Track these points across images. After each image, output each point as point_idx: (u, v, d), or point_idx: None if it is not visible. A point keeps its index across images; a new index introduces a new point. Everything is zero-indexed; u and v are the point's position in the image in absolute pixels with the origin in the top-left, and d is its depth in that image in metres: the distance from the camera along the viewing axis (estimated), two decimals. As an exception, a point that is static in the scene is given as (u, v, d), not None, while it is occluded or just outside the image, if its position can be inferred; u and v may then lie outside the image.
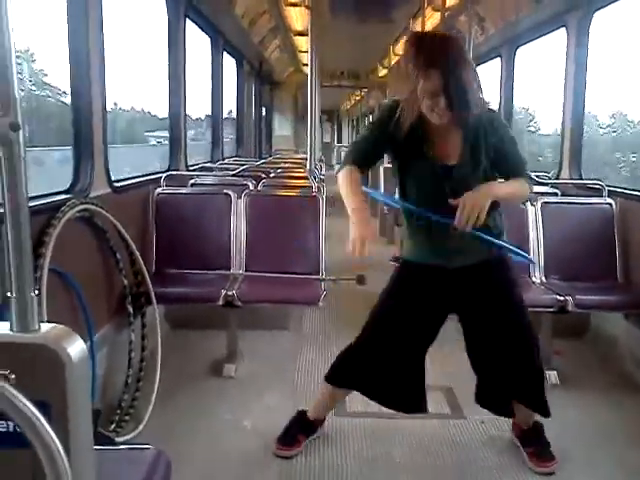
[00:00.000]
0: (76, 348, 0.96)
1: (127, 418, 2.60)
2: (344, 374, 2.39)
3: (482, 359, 2.31)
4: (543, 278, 3.50)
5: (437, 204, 2.05)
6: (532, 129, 15.68)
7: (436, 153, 2.10)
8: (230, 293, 3.03)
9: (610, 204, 3.66)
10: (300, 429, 2.50)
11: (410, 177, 2.15)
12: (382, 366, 2.31)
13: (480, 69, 6.76)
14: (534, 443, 2.43)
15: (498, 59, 6.04)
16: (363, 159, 2.16)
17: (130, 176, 3.72)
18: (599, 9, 4.13)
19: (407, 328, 2.26)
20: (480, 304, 2.24)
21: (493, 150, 2.10)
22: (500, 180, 2.16)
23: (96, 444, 1.06)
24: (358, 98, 17.69)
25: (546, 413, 2.35)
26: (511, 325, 2.24)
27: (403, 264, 2.34)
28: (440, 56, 1.92)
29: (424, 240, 2.20)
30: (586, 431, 2.70)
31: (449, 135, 2.09)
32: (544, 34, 5.13)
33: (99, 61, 2.83)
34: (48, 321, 0.98)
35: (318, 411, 2.52)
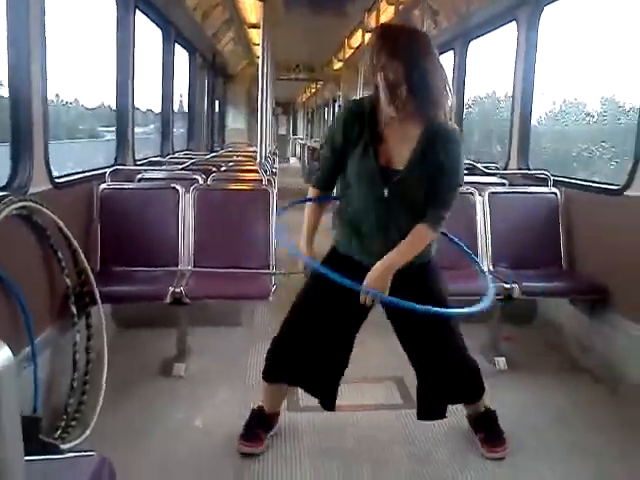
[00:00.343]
0: (1, 357, 0.92)
1: (73, 423, 2.52)
2: (274, 369, 2.38)
3: (415, 358, 2.33)
4: (490, 267, 3.57)
5: (374, 206, 2.09)
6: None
7: (384, 154, 2.06)
8: (178, 290, 2.98)
9: (555, 193, 3.75)
10: (259, 424, 2.47)
11: (353, 174, 2.11)
12: (307, 356, 2.31)
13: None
14: (484, 429, 2.47)
15: (451, 53, 6.12)
16: (325, 182, 2.24)
17: (72, 172, 3.60)
18: (548, 4, 4.20)
19: (329, 318, 2.26)
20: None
21: (434, 168, 2.04)
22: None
23: (38, 453, 1.02)
24: (314, 91, 17.68)
25: (480, 393, 2.40)
26: (434, 328, 2.22)
27: (331, 251, 2.30)
28: (404, 47, 1.93)
29: (352, 234, 2.18)
30: (536, 415, 2.77)
31: (403, 137, 2.05)
32: (495, 28, 5.21)
33: (40, 49, 2.70)
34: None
35: (269, 405, 2.49)
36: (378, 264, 2.07)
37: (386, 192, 2.05)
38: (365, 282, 2.06)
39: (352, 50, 9.82)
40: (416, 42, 1.96)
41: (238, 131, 12.61)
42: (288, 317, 2.33)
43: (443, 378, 2.30)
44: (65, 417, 2.54)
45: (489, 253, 3.60)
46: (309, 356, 2.31)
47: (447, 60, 6.24)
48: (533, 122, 4.62)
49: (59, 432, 2.45)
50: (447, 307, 2.21)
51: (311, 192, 2.26)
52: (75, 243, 2.87)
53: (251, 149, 7.74)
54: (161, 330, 3.39)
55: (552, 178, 3.86)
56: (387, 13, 6.69)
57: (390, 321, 2.30)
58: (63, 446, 2.33)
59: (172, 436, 2.53)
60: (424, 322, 2.17)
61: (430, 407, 2.36)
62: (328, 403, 2.39)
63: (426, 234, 2.11)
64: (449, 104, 2.01)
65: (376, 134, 2.06)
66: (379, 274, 2.06)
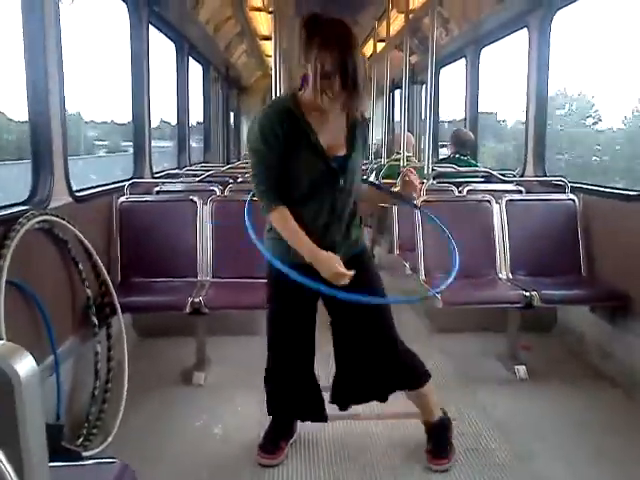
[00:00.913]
0: (26, 366, 0.93)
1: (95, 431, 2.55)
2: (272, 404, 2.47)
3: (345, 349, 2.35)
4: (509, 275, 3.55)
5: (330, 198, 2.10)
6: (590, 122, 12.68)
7: (325, 144, 2.07)
8: (197, 300, 3.00)
9: (573, 200, 3.73)
10: (279, 434, 2.49)
11: (302, 172, 2.06)
12: (293, 380, 2.39)
13: (445, 70, 6.85)
14: (432, 439, 2.45)
15: (463, 60, 6.13)
16: (280, 191, 2.07)
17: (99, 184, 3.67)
18: (560, 9, 4.20)
19: (296, 323, 2.32)
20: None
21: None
22: None
23: (61, 460, 1.03)
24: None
25: (424, 379, 2.38)
26: (371, 314, 2.25)
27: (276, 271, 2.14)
28: (337, 37, 1.91)
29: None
30: (557, 423, 2.74)
31: (335, 125, 2.09)
32: (507, 34, 5.22)
33: (57, 66, 2.76)
34: (8, 336, 0.95)
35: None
36: (323, 264, 2.01)
37: (341, 181, 2.09)
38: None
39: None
40: (347, 33, 1.94)
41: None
42: (268, 346, 2.42)
43: (370, 363, 2.31)
44: (87, 425, 2.58)
45: (507, 261, 3.59)
46: (297, 379, 2.40)
47: (460, 68, 6.27)
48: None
49: (81, 440, 2.48)
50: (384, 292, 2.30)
51: (279, 214, 2.07)
52: (95, 255, 2.92)
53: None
54: (180, 339, 3.42)
55: (569, 184, 3.84)
56: (397, 21, 6.72)
57: (326, 307, 2.33)
58: (85, 453, 2.35)
59: (192, 444, 2.55)
60: (361, 308, 2.19)
61: (346, 392, 2.40)
62: (319, 416, 2.44)
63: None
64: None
65: (307, 125, 2.05)
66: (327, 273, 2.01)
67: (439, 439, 2.43)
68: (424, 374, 2.38)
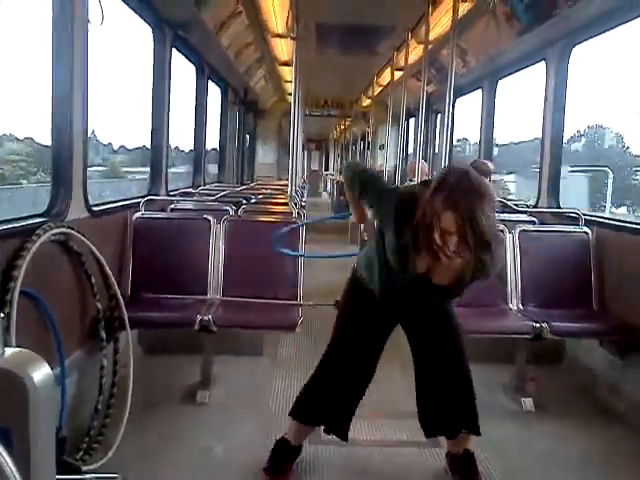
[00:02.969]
0: (41, 374, 0.95)
1: (96, 446, 2.54)
2: (305, 410, 2.41)
3: (425, 377, 2.37)
4: (520, 305, 3.53)
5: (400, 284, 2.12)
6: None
7: (424, 270, 2.03)
8: (206, 318, 3.01)
9: (587, 232, 3.71)
10: (284, 456, 2.46)
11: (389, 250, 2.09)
12: (336, 396, 2.35)
13: (460, 101, 6.91)
14: (462, 471, 2.44)
15: (479, 91, 6.18)
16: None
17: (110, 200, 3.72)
18: (579, 43, 4.24)
19: (363, 345, 2.32)
20: (423, 325, 2.33)
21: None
22: None
23: (61, 473, 1.03)
24: (343, 127, 17.90)
25: (476, 431, 2.37)
26: (450, 346, 2.30)
27: (354, 282, 2.35)
28: (461, 200, 1.76)
29: (379, 273, 2.19)
30: (564, 459, 2.69)
31: (446, 266, 1.97)
32: (524, 67, 5.27)
33: (82, 85, 2.84)
34: (17, 345, 0.96)
35: (295, 439, 2.48)
36: None
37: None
38: None
39: (381, 87, 9.96)
40: (475, 194, 1.77)
41: (267, 166, 12.77)
42: (323, 358, 2.37)
43: (446, 394, 2.32)
44: (88, 439, 2.57)
45: (518, 291, 3.57)
46: (338, 396, 2.36)
47: (476, 99, 6.32)
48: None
49: (81, 453, 2.47)
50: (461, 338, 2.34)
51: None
52: (107, 269, 2.94)
53: (280, 182, 7.84)
54: (185, 357, 3.43)
55: (583, 217, 3.83)
56: (416, 52, 6.80)
57: (405, 331, 2.37)
58: (85, 467, 2.35)
59: (193, 463, 2.53)
60: (439, 336, 2.30)
61: (434, 423, 2.39)
62: (343, 434, 2.41)
63: None
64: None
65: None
66: None
67: (469, 471, 2.43)
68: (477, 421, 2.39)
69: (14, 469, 0.81)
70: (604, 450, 2.77)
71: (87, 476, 1.81)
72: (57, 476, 1.18)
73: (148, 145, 4.58)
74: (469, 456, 2.45)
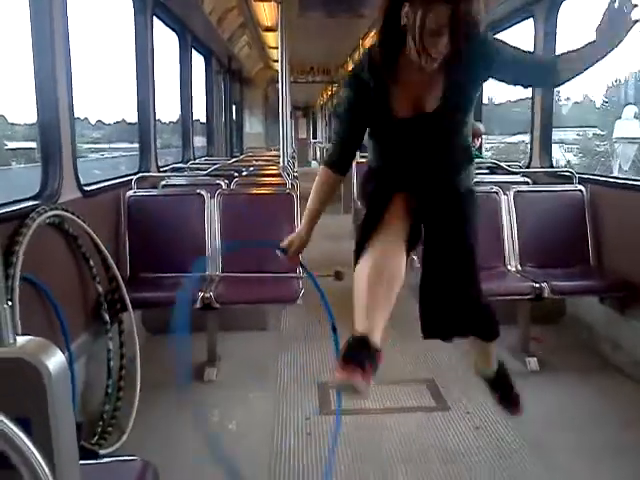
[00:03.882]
0: (56, 361, 0.93)
1: (110, 429, 2.55)
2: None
3: (431, 270, 2.03)
4: (518, 266, 3.55)
5: (421, 162, 1.93)
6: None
7: (408, 103, 1.83)
8: (207, 295, 3.00)
9: (581, 191, 3.71)
10: (365, 353, 1.62)
11: (384, 140, 1.96)
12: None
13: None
14: (500, 387, 2.31)
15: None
16: (339, 160, 1.98)
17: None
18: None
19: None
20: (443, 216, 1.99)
21: (495, 70, 1.82)
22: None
23: (79, 458, 1.03)
24: (330, 93, 17.69)
25: (495, 334, 2.14)
26: (462, 246, 1.98)
27: (371, 171, 2.09)
28: None
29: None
30: (570, 414, 2.74)
31: (427, 77, 1.79)
32: (512, 25, 5.18)
33: (65, 61, 2.75)
34: (23, 333, 0.95)
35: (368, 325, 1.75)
36: None
37: (428, 142, 1.89)
38: None
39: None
40: None
41: (256, 136, 12.64)
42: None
43: (451, 288, 2.00)
44: (101, 423, 2.57)
45: (516, 252, 3.58)
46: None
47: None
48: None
49: (96, 438, 2.48)
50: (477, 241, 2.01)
51: (320, 175, 1.98)
52: (105, 250, 2.91)
53: (271, 153, 7.76)
54: (190, 335, 3.42)
55: (577, 175, 3.82)
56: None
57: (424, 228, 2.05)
58: (101, 451, 2.36)
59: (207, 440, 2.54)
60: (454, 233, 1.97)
61: (434, 322, 2.06)
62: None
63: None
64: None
65: (393, 82, 1.81)
66: None
67: (505, 384, 2.31)
68: (495, 331, 2.14)
69: (41, 461, 0.80)
70: (607, 403, 2.83)
71: (107, 460, 1.81)
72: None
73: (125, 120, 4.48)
74: (503, 371, 2.30)
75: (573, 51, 1.80)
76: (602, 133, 13.27)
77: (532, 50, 4.40)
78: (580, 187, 3.73)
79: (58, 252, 2.70)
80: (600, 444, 2.48)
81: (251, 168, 5.38)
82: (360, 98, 1.86)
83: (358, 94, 1.86)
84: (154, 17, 4.55)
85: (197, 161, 5.97)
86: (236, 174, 4.70)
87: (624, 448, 2.44)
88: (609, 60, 1.74)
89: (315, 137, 23.66)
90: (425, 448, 2.47)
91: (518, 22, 4.99)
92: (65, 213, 2.63)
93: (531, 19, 4.51)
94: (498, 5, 5.08)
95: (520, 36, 5.01)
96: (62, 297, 2.52)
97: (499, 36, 5.40)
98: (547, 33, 4.30)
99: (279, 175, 4.58)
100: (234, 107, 10.20)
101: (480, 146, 5.58)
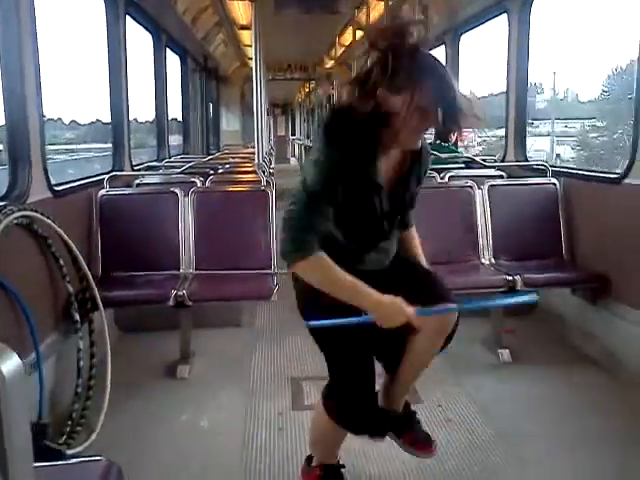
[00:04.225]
0: (11, 365, 0.91)
1: (79, 429, 2.52)
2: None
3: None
4: (492, 259, 3.58)
5: (376, 239, 1.82)
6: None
7: (385, 181, 1.74)
8: (180, 293, 2.98)
9: (554, 184, 3.75)
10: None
11: (356, 212, 1.73)
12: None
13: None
14: (408, 429, 2.09)
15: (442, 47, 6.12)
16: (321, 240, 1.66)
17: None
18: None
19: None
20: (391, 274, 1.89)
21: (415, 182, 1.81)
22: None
23: (45, 459, 1.01)
24: (308, 91, 17.69)
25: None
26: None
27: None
28: (429, 63, 1.58)
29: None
30: (542, 405, 2.77)
31: (395, 157, 1.75)
32: (486, 20, 5.21)
33: (34, 59, 2.70)
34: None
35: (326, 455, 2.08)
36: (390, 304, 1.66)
37: (385, 223, 1.79)
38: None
39: (343, 48, 9.83)
40: (432, 57, 1.61)
41: (233, 133, 12.58)
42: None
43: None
44: (70, 423, 2.54)
45: (490, 246, 3.61)
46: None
47: (439, 54, 6.27)
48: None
49: (64, 438, 2.45)
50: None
51: (318, 262, 1.64)
52: (75, 250, 2.87)
53: (247, 150, 7.73)
54: (163, 333, 3.41)
55: (550, 168, 3.86)
56: (377, 9, 6.69)
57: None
58: (69, 452, 2.33)
59: (178, 438, 2.53)
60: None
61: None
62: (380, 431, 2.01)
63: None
64: None
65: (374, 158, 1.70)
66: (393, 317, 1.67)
67: (415, 428, 2.09)
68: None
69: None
70: (579, 393, 2.86)
71: (71, 460, 1.78)
72: (40, 463, 1.16)
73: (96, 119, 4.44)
74: (410, 412, 2.11)
75: (412, 243, 1.98)
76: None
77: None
78: (553, 180, 3.77)
79: (27, 252, 2.66)
80: (570, 432, 2.51)
81: (227, 165, 5.35)
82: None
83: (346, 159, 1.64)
84: (127, 16, 4.51)
85: (173, 159, 5.93)
86: (212, 172, 4.67)
87: (598, 436, 2.47)
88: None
89: (294, 134, 23.66)
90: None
91: (491, 18, 5.03)
92: (34, 213, 2.59)
93: (505, 15, 4.55)
94: (471, 2, 5.13)
95: (494, 32, 5.07)
96: (31, 297, 2.49)
97: (473, 32, 5.54)
98: (521, 29, 4.34)
99: (255, 172, 4.57)
100: (210, 105, 10.16)
101: (456, 141, 5.61)
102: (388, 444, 2.17)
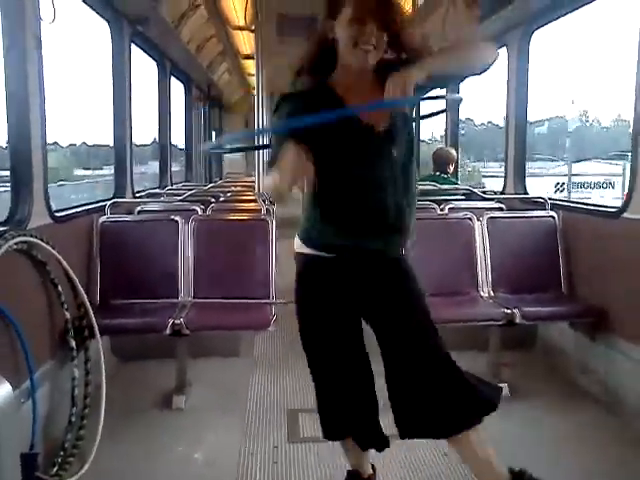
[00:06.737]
0: (2, 395, 0.91)
1: (71, 459, 2.48)
2: (330, 425, 2.05)
3: (393, 371, 1.91)
4: (491, 292, 3.57)
5: (381, 174, 1.77)
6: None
7: (362, 118, 1.73)
8: (178, 322, 2.96)
9: (553, 217, 3.76)
10: None
11: (344, 153, 1.77)
12: (345, 401, 1.98)
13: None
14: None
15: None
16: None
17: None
18: (538, 28, 4.28)
19: (334, 338, 1.92)
20: (383, 299, 1.89)
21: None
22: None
23: None
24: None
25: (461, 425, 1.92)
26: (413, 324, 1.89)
27: (303, 261, 1.90)
28: None
29: (353, 226, 1.83)
30: (540, 440, 2.73)
31: (371, 90, 1.73)
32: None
33: (39, 87, 2.75)
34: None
35: (352, 462, 2.18)
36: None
37: (394, 151, 1.76)
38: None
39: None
40: None
41: (236, 162, 12.65)
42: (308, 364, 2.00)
43: (423, 385, 1.87)
44: (63, 453, 2.51)
45: (489, 278, 3.60)
46: (344, 402, 1.99)
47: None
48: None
49: (56, 469, 2.41)
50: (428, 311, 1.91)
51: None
52: (74, 277, 2.87)
53: (250, 179, 7.78)
54: (160, 362, 3.38)
55: (549, 202, 3.88)
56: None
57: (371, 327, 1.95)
58: (60, 482, 2.30)
59: (172, 469, 2.49)
60: (407, 323, 1.87)
61: (411, 420, 1.90)
62: (378, 444, 2.05)
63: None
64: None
65: (337, 96, 1.77)
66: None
67: None
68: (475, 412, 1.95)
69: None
70: (578, 428, 2.83)
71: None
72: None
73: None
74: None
75: None
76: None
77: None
78: (552, 213, 3.78)
79: (25, 278, 2.66)
80: (568, 469, 2.47)
81: (228, 194, 5.38)
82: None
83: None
84: (133, 45, 4.59)
85: (174, 187, 5.97)
86: (213, 200, 4.70)
87: (592, 473, 2.44)
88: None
89: (298, 162, 23.79)
90: (395, 473, 2.44)
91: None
92: (33, 239, 2.60)
93: (504, 48, 4.62)
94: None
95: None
96: (28, 323, 2.48)
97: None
98: (520, 62, 4.40)
99: (256, 201, 4.59)
100: (214, 133, 10.24)
101: (455, 172, 5.65)
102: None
